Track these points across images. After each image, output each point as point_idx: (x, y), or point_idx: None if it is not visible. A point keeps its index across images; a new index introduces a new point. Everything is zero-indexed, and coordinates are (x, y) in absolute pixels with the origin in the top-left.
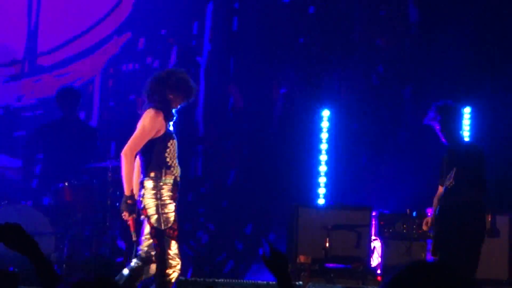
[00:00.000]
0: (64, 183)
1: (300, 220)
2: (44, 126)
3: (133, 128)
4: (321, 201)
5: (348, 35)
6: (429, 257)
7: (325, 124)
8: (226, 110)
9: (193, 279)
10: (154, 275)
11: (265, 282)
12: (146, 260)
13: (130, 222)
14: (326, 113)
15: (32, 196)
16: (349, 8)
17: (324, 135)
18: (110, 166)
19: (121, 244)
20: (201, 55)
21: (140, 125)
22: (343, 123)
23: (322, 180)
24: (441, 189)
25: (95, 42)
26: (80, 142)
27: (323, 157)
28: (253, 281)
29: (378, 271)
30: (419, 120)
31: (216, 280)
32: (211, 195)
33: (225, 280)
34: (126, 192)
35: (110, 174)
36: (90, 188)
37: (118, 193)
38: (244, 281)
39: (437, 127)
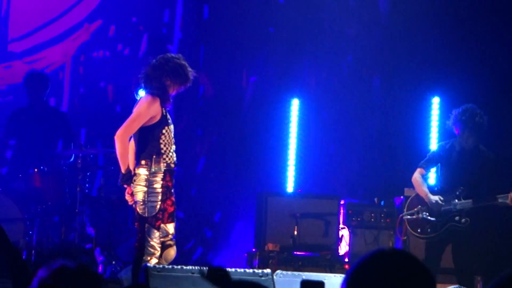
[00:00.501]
0: (34, 169)
1: (268, 208)
2: (15, 112)
3: (103, 115)
4: (289, 189)
5: (318, 24)
6: (396, 246)
7: (294, 113)
8: (196, 98)
9: (160, 266)
10: (133, 260)
11: (233, 269)
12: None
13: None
14: (295, 102)
15: (2, 182)
16: None
17: (293, 124)
18: (80, 154)
19: (90, 230)
20: (172, 43)
21: (136, 109)
22: (312, 112)
23: (291, 169)
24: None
25: (66, 28)
26: (49, 127)
27: (292, 146)
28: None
29: (346, 259)
30: (388, 110)
31: (184, 267)
32: (180, 182)
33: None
34: (122, 170)
35: (79, 161)
36: (60, 174)
37: (87, 179)
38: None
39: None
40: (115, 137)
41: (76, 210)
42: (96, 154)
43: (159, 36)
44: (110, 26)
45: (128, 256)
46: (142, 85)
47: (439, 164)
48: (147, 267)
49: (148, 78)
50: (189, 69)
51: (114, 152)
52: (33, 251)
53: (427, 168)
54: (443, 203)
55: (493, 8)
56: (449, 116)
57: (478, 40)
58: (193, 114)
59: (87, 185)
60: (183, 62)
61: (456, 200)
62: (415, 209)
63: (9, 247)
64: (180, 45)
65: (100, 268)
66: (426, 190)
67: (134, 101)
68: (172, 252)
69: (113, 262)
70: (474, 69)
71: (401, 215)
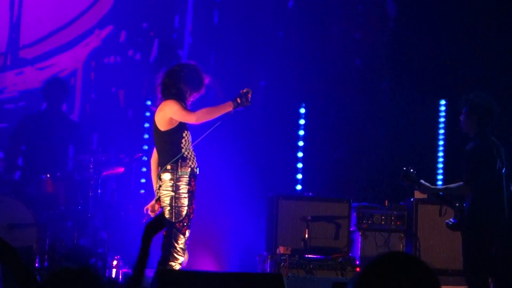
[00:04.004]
0: (47, 175)
1: (279, 211)
2: (27, 117)
3: (114, 120)
4: (300, 193)
5: (326, 28)
6: (406, 248)
7: (303, 117)
8: (207, 103)
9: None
10: (158, 262)
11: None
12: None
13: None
14: (304, 106)
15: (15, 188)
16: (328, 2)
17: (302, 128)
18: (92, 158)
19: (103, 235)
20: (182, 48)
21: (171, 110)
22: (322, 116)
23: (301, 172)
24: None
25: (77, 35)
26: (63, 134)
27: (302, 149)
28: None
29: (357, 262)
30: (396, 113)
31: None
32: None
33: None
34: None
35: (91, 166)
36: (72, 180)
37: (99, 184)
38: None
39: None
40: (195, 117)
41: (89, 215)
42: (108, 158)
43: (170, 41)
44: (121, 32)
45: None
46: (160, 93)
47: None
48: (159, 270)
49: (165, 85)
50: (203, 74)
51: (126, 157)
52: (46, 256)
53: None
54: None
55: (501, 10)
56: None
57: (485, 43)
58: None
59: (99, 189)
60: (197, 68)
61: None
62: None
63: (22, 268)
64: (191, 50)
65: (113, 272)
66: None
67: (145, 107)
68: (185, 256)
69: (126, 267)
70: (481, 71)
71: None
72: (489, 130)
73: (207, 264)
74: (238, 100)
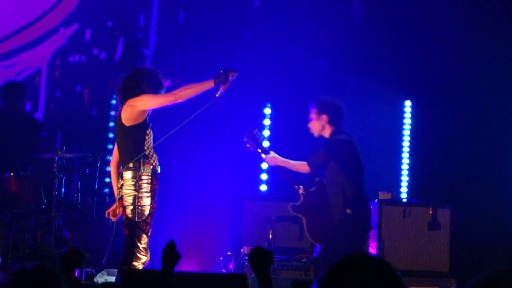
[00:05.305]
0: (10, 173)
1: (244, 211)
2: None
3: (78, 119)
4: (264, 193)
5: (292, 28)
6: (371, 249)
7: (268, 117)
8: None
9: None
10: (119, 264)
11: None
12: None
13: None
14: (269, 106)
15: None
16: (294, 1)
17: (267, 128)
18: (56, 157)
19: (66, 233)
20: (148, 47)
21: (144, 101)
22: (287, 116)
23: (266, 172)
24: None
25: (42, 33)
26: (24, 133)
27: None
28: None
29: None
30: (361, 113)
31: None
32: None
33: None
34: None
35: (55, 165)
36: (36, 179)
37: (63, 183)
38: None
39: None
40: (174, 96)
41: (52, 214)
42: (72, 157)
43: (135, 40)
44: (86, 31)
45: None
46: (121, 97)
47: None
48: (124, 270)
49: (127, 88)
50: (163, 77)
51: (89, 156)
52: (9, 255)
53: None
54: None
55: (467, 9)
56: (422, 119)
57: (450, 43)
58: (169, 118)
59: (63, 189)
60: (156, 71)
61: None
62: None
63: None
64: (156, 49)
65: (76, 271)
66: None
67: (110, 105)
68: (148, 255)
69: (89, 266)
70: (446, 72)
71: None
72: (342, 126)
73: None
74: (219, 76)
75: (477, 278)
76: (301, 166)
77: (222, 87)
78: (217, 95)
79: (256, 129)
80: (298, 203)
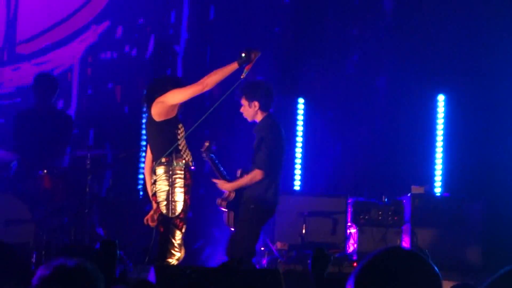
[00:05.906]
0: (43, 171)
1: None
2: (19, 114)
3: (110, 116)
4: (297, 188)
5: (323, 24)
6: (404, 243)
7: (300, 113)
8: (203, 98)
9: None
10: (153, 259)
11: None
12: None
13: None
14: (301, 101)
15: (10, 184)
16: None
17: (300, 123)
18: (89, 154)
19: (99, 231)
20: (179, 44)
21: (174, 96)
22: (319, 112)
23: (298, 167)
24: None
25: (73, 30)
26: (56, 130)
27: (299, 145)
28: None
29: (354, 257)
30: (393, 108)
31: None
32: None
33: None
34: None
35: (88, 162)
36: (69, 176)
37: (96, 180)
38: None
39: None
40: (201, 85)
41: (86, 211)
42: (104, 154)
43: (166, 37)
44: (117, 28)
45: (138, 256)
46: (147, 100)
47: None
48: (158, 267)
49: (155, 90)
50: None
51: (122, 153)
52: (43, 252)
53: None
54: None
55: (498, 5)
56: (455, 114)
57: (482, 37)
58: (200, 115)
59: (96, 186)
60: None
61: None
62: None
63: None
64: (187, 46)
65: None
66: None
67: (141, 102)
68: (182, 252)
69: (123, 262)
70: (479, 66)
71: None
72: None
73: (205, 259)
74: (242, 57)
75: (494, 276)
76: (254, 175)
77: (247, 67)
78: (242, 76)
79: (212, 143)
80: (230, 199)
